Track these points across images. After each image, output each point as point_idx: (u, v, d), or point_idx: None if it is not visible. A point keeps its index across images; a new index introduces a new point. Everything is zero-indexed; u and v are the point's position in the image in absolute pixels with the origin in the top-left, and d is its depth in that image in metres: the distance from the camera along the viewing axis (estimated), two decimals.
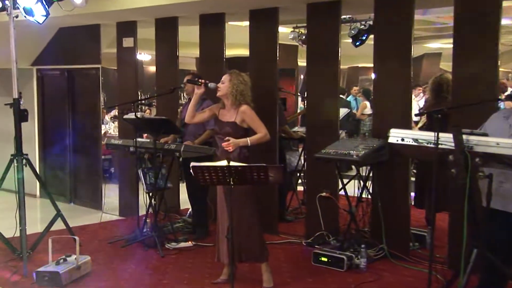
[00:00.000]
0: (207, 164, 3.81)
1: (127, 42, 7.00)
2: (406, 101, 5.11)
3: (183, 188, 6.52)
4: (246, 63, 6.12)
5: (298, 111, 9.97)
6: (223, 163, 3.72)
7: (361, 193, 5.19)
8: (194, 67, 12.58)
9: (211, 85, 4.54)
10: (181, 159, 5.83)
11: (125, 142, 5.96)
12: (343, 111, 8.72)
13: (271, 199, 6.03)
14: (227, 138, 4.37)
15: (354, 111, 10.74)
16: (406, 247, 5.13)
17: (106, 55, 7.54)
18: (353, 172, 6.06)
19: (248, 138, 4.41)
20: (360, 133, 9.99)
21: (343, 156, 4.89)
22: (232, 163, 3.73)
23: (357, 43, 7.57)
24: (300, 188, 7.31)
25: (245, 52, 6.27)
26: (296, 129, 7.58)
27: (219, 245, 4.57)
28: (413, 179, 5.97)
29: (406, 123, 4.99)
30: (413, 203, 5.85)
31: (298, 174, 7.25)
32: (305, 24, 6.47)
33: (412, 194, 5.77)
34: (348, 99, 11.10)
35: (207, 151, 5.38)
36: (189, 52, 9.71)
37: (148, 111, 10.88)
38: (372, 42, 5.31)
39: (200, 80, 4.60)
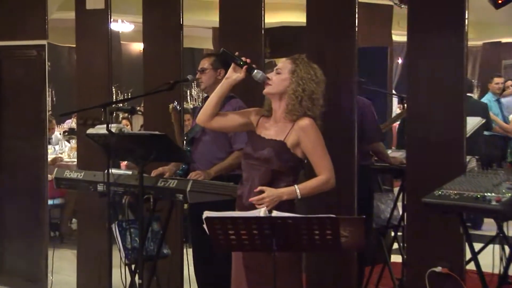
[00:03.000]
0: (232, 215, 3.85)
1: (93, 1, 7.14)
2: None
3: (189, 257, 6.57)
4: (297, 37, 6.18)
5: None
6: (261, 212, 3.75)
7: (507, 269, 5.17)
8: (210, 44, 12.77)
9: (258, 73, 4.56)
10: (186, 205, 5.88)
11: (89, 176, 6.05)
12: (473, 122, 8.65)
13: (346, 275, 6.07)
14: (259, 188, 4.36)
15: (498, 119, 10.69)
16: None
17: (56, 23, 7.68)
18: (492, 232, 6.04)
19: (297, 186, 4.41)
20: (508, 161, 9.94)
21: (473, 202, 4.87)
22: (275, 213, 3.76)
23: (499, 3, 7.57)
24: (395, 258, 7.29)
25: (297, 19, 6.34)
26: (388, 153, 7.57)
27: None
28: None
29: None
30: None
31: (392, 234, 7.24)
32: None
33: None
34: (483, 100, 11.04)
35: (232, 191, 5.40)
36: (201, 19, 9.87)
37: (125, 122, 11.02)
38: None
39: (243, 58, 4.60)
